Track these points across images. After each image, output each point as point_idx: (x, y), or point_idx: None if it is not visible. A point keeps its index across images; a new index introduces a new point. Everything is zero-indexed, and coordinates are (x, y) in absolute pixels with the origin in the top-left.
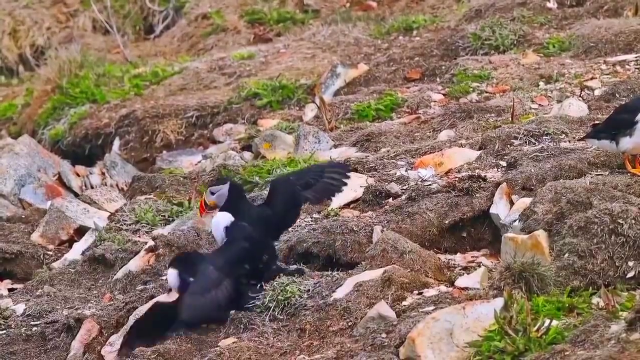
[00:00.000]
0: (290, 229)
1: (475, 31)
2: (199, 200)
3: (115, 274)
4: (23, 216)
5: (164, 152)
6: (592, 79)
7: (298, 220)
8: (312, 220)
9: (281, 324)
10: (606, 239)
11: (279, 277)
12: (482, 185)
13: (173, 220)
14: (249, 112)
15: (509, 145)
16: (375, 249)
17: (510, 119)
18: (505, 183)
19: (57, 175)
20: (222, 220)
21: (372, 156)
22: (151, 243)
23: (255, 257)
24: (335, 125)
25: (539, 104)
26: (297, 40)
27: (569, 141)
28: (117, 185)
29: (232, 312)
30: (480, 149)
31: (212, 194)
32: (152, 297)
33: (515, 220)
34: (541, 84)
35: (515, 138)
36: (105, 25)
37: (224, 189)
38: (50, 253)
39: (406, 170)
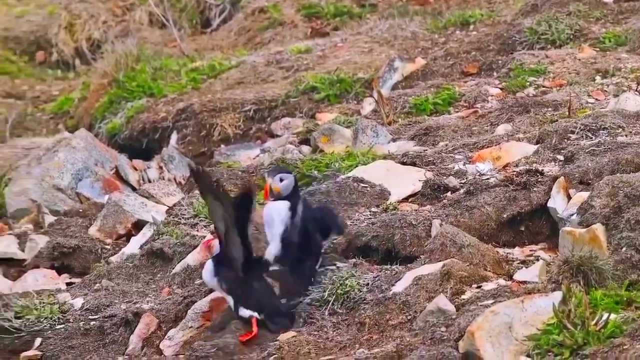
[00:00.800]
0: (349, 223)
1: (531, 25)
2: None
3: (173, 268)
4: (80, 210)
5: (222, 146)
6: None
7: (357, 214)
8: (370, 214)
9: (340, 317)
10: None
11: (338, 271)
12: (539, 180)
13: None
14: (307, 106)
15: (566, 140)
16: (434, 242)
17: (567, 113)
18: (562, 177)
19: (114, 169)
20: (282, 207)
21: (430, 150)
22: (209, 237)
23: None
24: (393, 119)
25: (596, 99)
26: (355, 35)
27: (626, 135)
28: (174, 179)
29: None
30: (537, 143)
31: (281, 180)
32: (211, 291)
33: (572, 214)
34: (597, 78)
35: (572, 132)
36: (162, 19)
37: (291, 179)
38: (108, 247)
39: (464, 164)
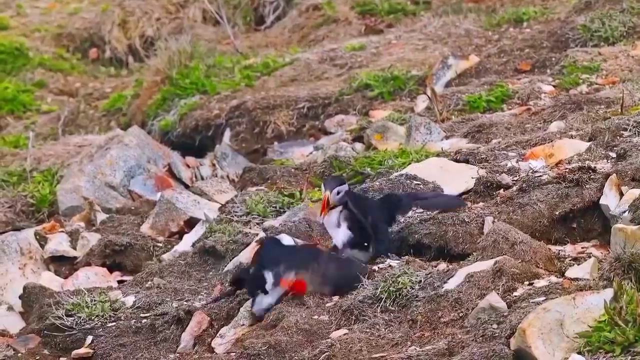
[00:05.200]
0: (402, 220)
1: (584, 23)
2: (309, 191)
3: (225, 266)
4: (132, 208)
5: (275, 143)
6: None
7: (410, 211)
8: (423, 211)
9: (392, 315)
10: None
11: (390, 269)
12: (592, 177)
13: (284, 211)
14: (360, 103)
15: (618, 137)
16: (487, 239)
17: (619, 110)
18: (614, 174)
19: (167, 166)
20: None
21: (483, 147)
22: (262, 234)
23: None
24: (447, 117)
25: None
26: (408, 32)
27: None
28: (227, 176)
29: None
30: (590, 140)
31: (338, 194)
32: None
33: (624, 211)
34: None
35: (625, 129)
36: (216, 16)
37: (345, 189)
38: (160, 245)
39: (517, 162)
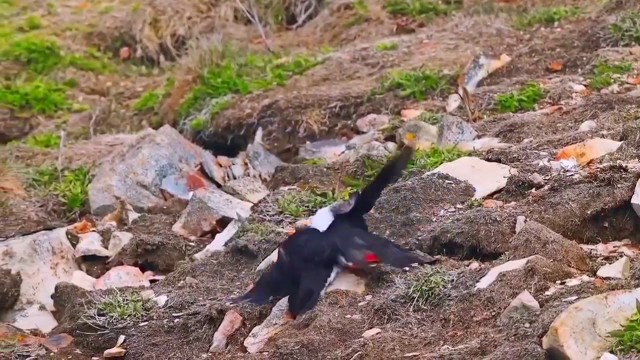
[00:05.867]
0: (434, 219)
1: (615, 22)
2: (342, 190)
3: (258, 265)
4: (164, 207)
5: (307, 142)
6: None
7: (442, 210)
8: (455, 211)
9: (425, 314)
10: None
11: (423, 267)
12: (623, 176)
13: (316, 210)
14: (392, 103)
15: None
16: (519, 239)
17: None
18: None
19: (199, 165)
20: None
21: (515, 146)
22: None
23: None
24: (479, 116)
25: None
26: (440, 31)
27: None
28: (259, 175)
29: None
30: (621, 139)
31: None
32: None
33: None
34: None
35: None
36: (247, 15)
37: None
38: (192, 244)
39: (548, 161)
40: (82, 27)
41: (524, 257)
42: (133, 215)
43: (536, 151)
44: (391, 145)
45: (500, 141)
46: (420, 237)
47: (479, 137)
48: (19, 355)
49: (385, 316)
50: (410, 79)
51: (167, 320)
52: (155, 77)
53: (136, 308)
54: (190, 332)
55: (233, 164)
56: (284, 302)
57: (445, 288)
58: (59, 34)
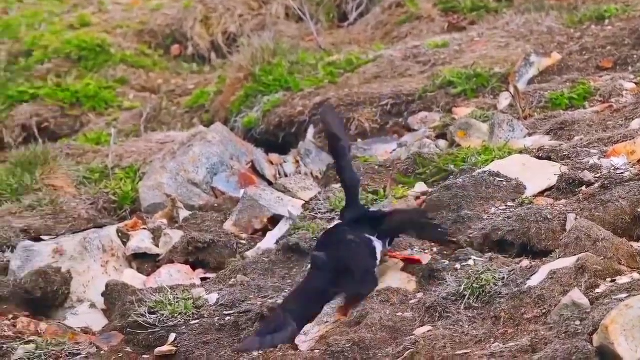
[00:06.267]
0: (485, 217)
1: None
2: (393, 188)
3: (309, 263)
4: (216, 205)
5: (359, 140)
6: None
7: (493, 208)
8: (506, 208)
9: (476, 312)
10: None
11: (474, 265)
12: None
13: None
14: (443, 101)
15: None
16: (569, 236)
17: None
18: None
19: (250, 163)
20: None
21: (566, 144)
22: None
23: None
24: (529, 114)
25: None
26: (491, 29)
27: None
28: (311, 173)
29: None
30: None
31: None
32: None
33: None
34: None
35: None
36: (299, 12)
37: None
38: (244, 242)
39: (599, 159)
40: (133, 24)
41: (575, 254)
42: (184, 213)
43: (587, 149)
44: (442, 143)
45: (551, 139)
46: (471, 235)
47: (529, 135)
48: (69, 353)
49: (437, 314)
50: (462, 77)
51: (218, 318)
52: (206, 75)
53: (187, 306)
54: (241, 330)
55: (284, 162)
56: (335, 300)
57: (496, 286)
58: (109, 31)
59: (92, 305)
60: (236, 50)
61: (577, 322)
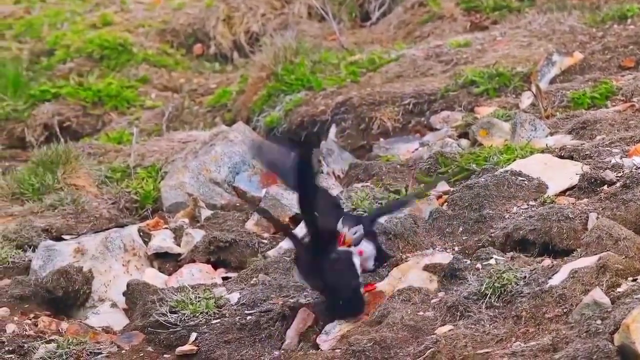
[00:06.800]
0: (507, 216)
1: None
2: (415, 187)
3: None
4: (237, 204)
5: (381, 139)
6: None
7: (515, 207)
8: (528, 207)
9: (497, 311)
10: None
11: (496, 264)
12: None
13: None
14: (465, 100)
15: None
16: (591, 235)
17: None
18: None
19: None
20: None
21: (588, 144)
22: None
23: None
24: (551, 113)
25: None
26: (513, 28)
27: None
28: (333, 172)
29: None
30: None
31: (355, 233)
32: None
33: None
34: None
35: None
36: (321, 12)
37: (361, 230)
38: (265, 241)
39: (621, 158)
40: (154, 23)
41: (596, 254)
42: (205, 213)
43: (608, 148)
44: (464, 142)
45: (573, 138)
46: (493, 234)
47: (551, 134)
48: (90, 352)
49: (458, 313)
50: (484, 76)
51: (239, 317)
52: (228, 74)
53: (208, 305)
54: (262, 329)
55: None
56: None
57: (518, 285)
58: (131, 30)
59: (113, 305)
60: (258, 49)
61: (598, 321)
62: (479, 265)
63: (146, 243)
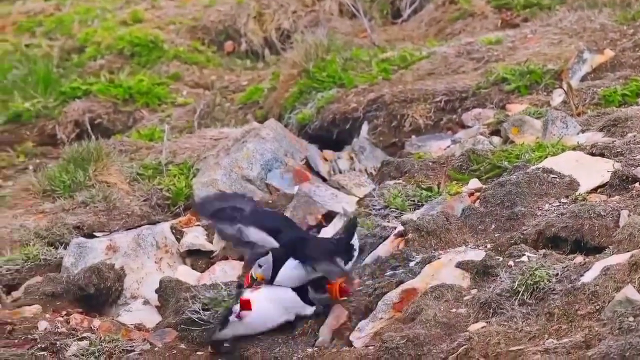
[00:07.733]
0: (539, 214)
1: None
2: (448, 184)
3: (364, 259)
4: (270, 201)
5: (413, 136)
6: None
7: (547, 205)
8: (560, 205)
9: (530, 308)
10: None
11: (528, 262)
12: None
13: (422, 205)
14: (497, 97)
15: None
16: (623, 233)
17: None
18: None
19: (304, 159)
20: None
21: (619, 141)
22: (400, 228)
23: None
24: (583, 111)
25: None
26: (544, 26)
27: None
28: (365, 169)
29: None
30: None
31: (260, 266)
32: (401, 282)
33: None
34: None
35: None
36: (352, 9)
37: (269, 260)
38: None
39: None
40: (185, 20)
41: (628, 251)
42: None
43: (639, 146)
44: (496, 139)
45: (604, 136)
46: (525, 231)
47: (582, 131)
48: (123, 350)
49: (491, 310)
50: (515, 73)
51: None
52: (259, 71)
53: None
54: (295, 326)
55: (338, 158)
56: (389, 296)
57: (550, 282)
58: (162, 27)
59: (146, 302)
60: (290, 46)
61: (631, 319)
62: (511, 263)
63: (178, 240)
